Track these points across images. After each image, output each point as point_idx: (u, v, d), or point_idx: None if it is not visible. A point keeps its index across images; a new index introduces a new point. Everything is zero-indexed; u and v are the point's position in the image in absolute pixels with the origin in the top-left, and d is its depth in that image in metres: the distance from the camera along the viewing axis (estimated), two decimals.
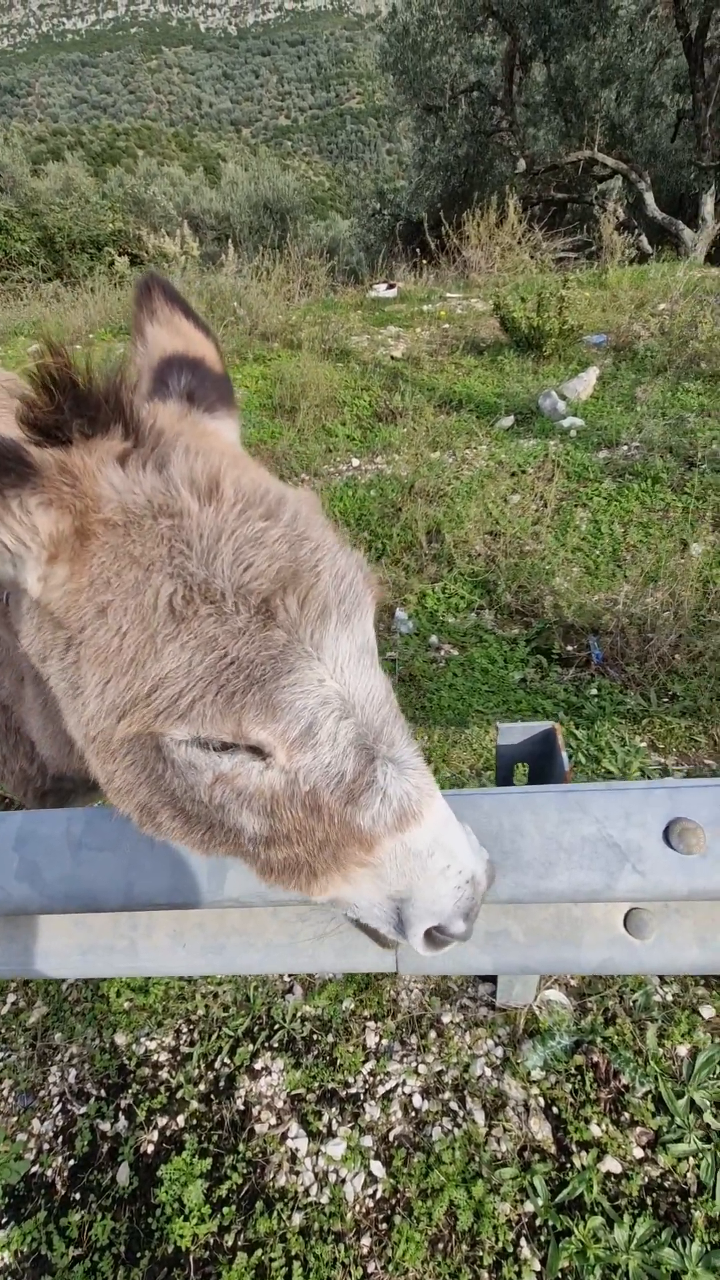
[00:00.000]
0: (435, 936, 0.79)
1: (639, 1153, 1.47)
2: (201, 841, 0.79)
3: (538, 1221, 1.41)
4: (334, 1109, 1.63)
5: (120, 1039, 1.82)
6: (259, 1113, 1.65)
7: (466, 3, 12.09)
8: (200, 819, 0.77)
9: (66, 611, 0.75)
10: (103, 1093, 1.74)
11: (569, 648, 2.90)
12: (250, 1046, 1.76)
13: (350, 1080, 1.67)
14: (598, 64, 12.42)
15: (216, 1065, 1.74)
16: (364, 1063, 1.70)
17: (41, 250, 15.31)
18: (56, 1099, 1.75)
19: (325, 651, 0.71)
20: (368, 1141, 1.57)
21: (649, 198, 12.14)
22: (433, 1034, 1.73)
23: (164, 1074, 1.74)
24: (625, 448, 4.25)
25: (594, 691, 2.68)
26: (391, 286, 8.43)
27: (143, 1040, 1.81)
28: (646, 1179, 1.44)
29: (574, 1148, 1.49)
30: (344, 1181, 1.53)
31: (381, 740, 0.73)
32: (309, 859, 0.75)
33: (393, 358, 6.38)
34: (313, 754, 0.70)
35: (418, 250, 9.57)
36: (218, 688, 0.67)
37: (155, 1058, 1.78)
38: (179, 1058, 1.77)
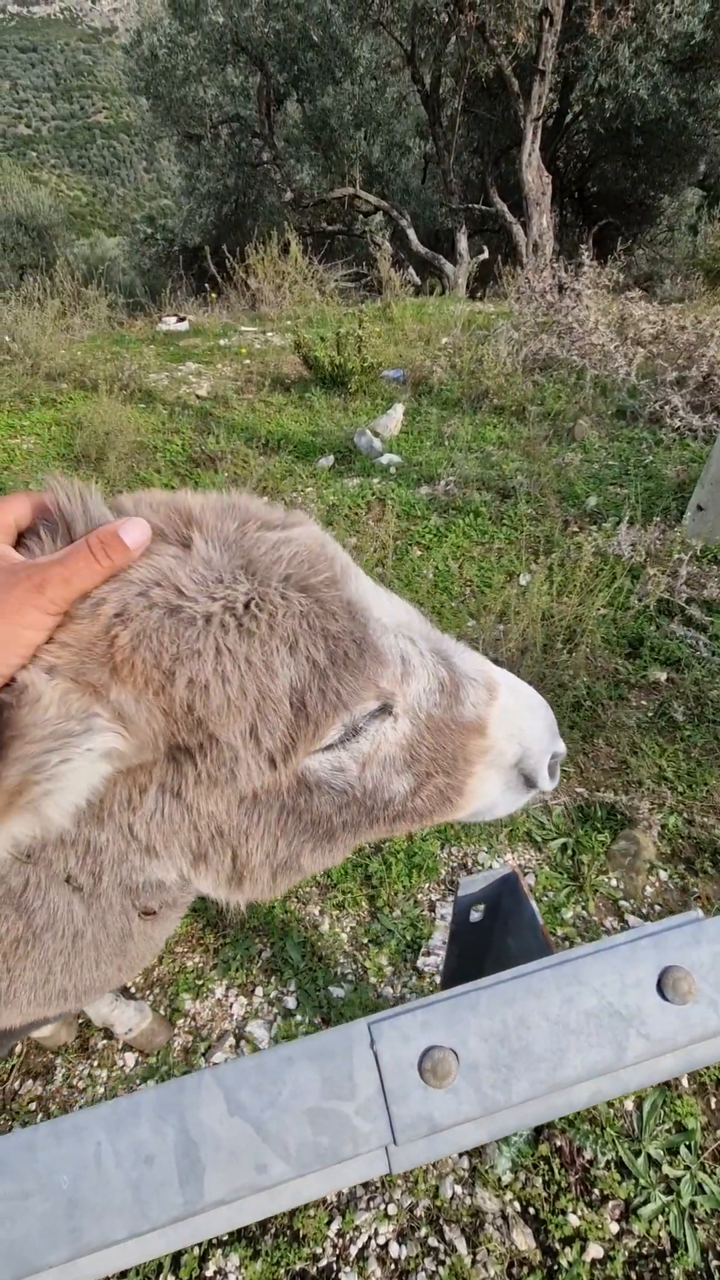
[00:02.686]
0: (552, 767, 0.88)
1: (615, 1228, 1.50)
2: (346, 846, 0.79)
3: None
4: None
5: None
6: None
7: (215, 35, 12.14)
8: (349, 824, 0.76)
9: (145, 733, 0.64)
10: None
11: None
12: (195, 1250, 1.52)
13: (318, 1250, 1.51)
14: (348, 107, 13.16)
15: None
16: (329, 1224, 1.55)
17: None
18: None
19: (366, 595, 0.73)
20: None
21: (411, 233, 13.10)
22: None
23: None
24: (444, 483, 4.48)
25: None
26: (182, 319, 8.17)
27: None
28: (627, 1253, 1.46)
29: (558, 1246, 1.47)
30: None
31: (439, 642, 0.80)
32: (446, 779, 0.79)
33: (198, 397, 6.17)
34: (416, 681, 0.75)
35: (206, 285, 9.39)
36: (342, 660, 0.67)
37: None
38: None
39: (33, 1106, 1.76)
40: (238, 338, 7.61)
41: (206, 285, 9.26)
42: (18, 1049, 1.85)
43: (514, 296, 6.34)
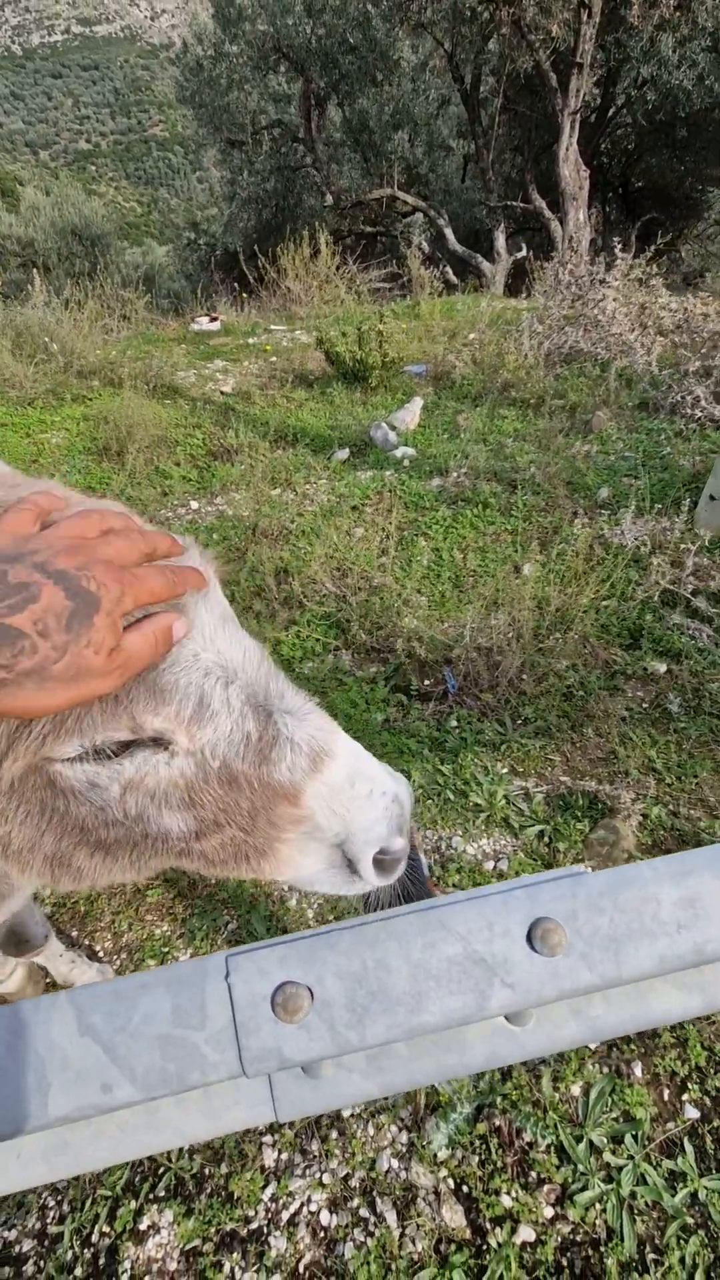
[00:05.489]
0: (383, 862, 0.83)
1: (549, 1212, 1.46)
2: (133, 865, 0.78)
3: None
4: (235, 1254, 1.47)
5: None
6: None
7: (257, 43, 12.35)
8: (122, 842, 0.75)
9: None
10: None
11: (425, 682, 2.94)
12: (133, 1204, 1.55)
13: (250, 1214, 1.52)
14: (388, 109, 13.22)
15: (94, 1239, 1.51)
16: (264, 1188, 1.55)
17: None
18: None
19: (191, 630, 0.72)
20: None
21: (449, 233, 13.05)
22: (334, 1134, 1.62)
23: (30, 1268, 1.48)
24: (455, 475, 4.45)
25: (454, 724, 2.73)
26: (214, 319, 8.32)
27: None
28: (559, 1239, 1.43)
29: (488, 1225, 1.44)
30: None
31: (272, 695, 0.76)
32: (245, 836, 0.77)
33: (222, 393, 6.28)
34: (213, 727, 0.72)
35: (236, 284, 9.56)
36: None
37: (18, 1249, 1.51)
38: (47, 1242, 1.52)
39: None
40: (266, 336, 7.72)
41: (236, 285, 9.41)
42: None
43: (540, 290, 6.25)
